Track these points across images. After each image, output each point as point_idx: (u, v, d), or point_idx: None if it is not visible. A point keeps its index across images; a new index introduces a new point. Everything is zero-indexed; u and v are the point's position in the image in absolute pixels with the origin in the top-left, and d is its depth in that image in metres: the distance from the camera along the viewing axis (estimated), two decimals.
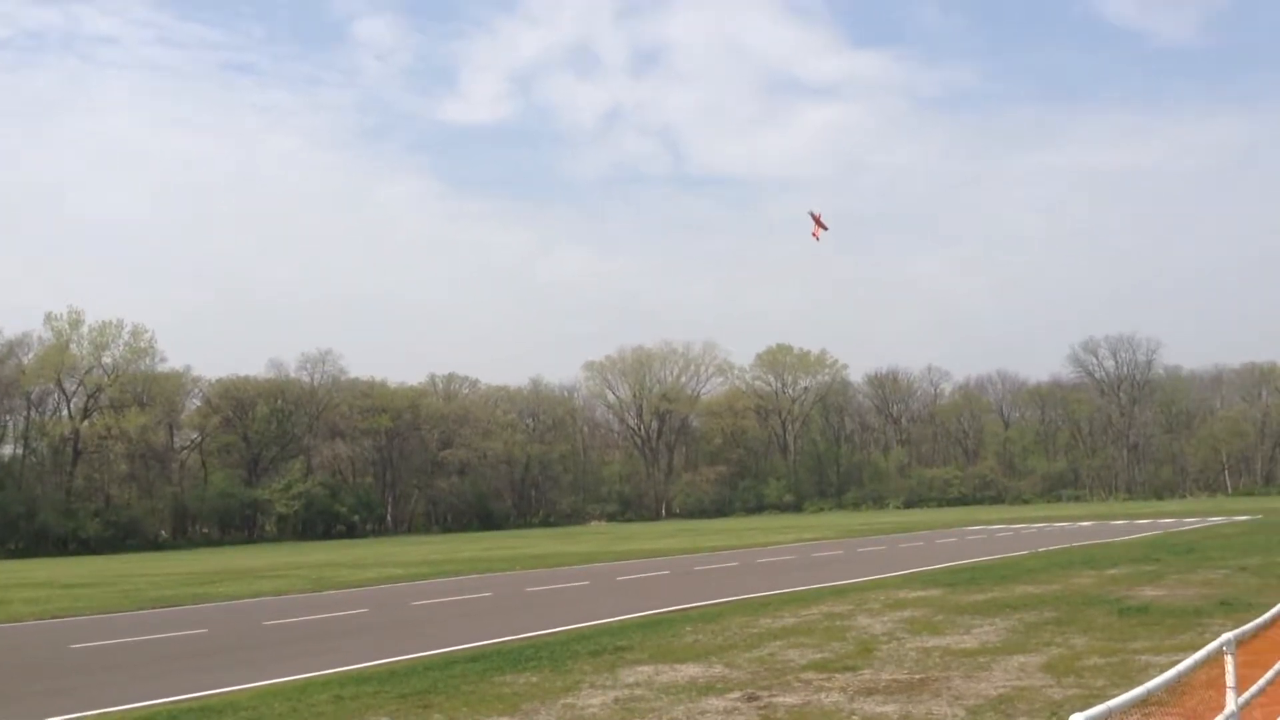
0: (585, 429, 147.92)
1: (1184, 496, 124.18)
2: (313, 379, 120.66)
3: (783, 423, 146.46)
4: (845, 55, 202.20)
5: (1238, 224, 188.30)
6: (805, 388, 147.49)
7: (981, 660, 14.01)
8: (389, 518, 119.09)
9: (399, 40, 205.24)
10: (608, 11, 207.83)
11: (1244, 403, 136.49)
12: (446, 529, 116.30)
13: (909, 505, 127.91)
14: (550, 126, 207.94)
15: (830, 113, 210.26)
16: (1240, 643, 7.63)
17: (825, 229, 53.29)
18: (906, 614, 19.36)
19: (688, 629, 18.18)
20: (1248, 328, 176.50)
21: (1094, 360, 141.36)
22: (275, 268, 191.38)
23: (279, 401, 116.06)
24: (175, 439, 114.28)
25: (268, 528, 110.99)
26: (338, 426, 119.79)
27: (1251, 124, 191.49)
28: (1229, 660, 7.32)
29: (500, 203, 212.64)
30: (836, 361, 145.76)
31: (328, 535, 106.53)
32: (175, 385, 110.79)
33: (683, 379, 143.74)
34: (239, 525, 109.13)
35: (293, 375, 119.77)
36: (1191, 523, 57.75)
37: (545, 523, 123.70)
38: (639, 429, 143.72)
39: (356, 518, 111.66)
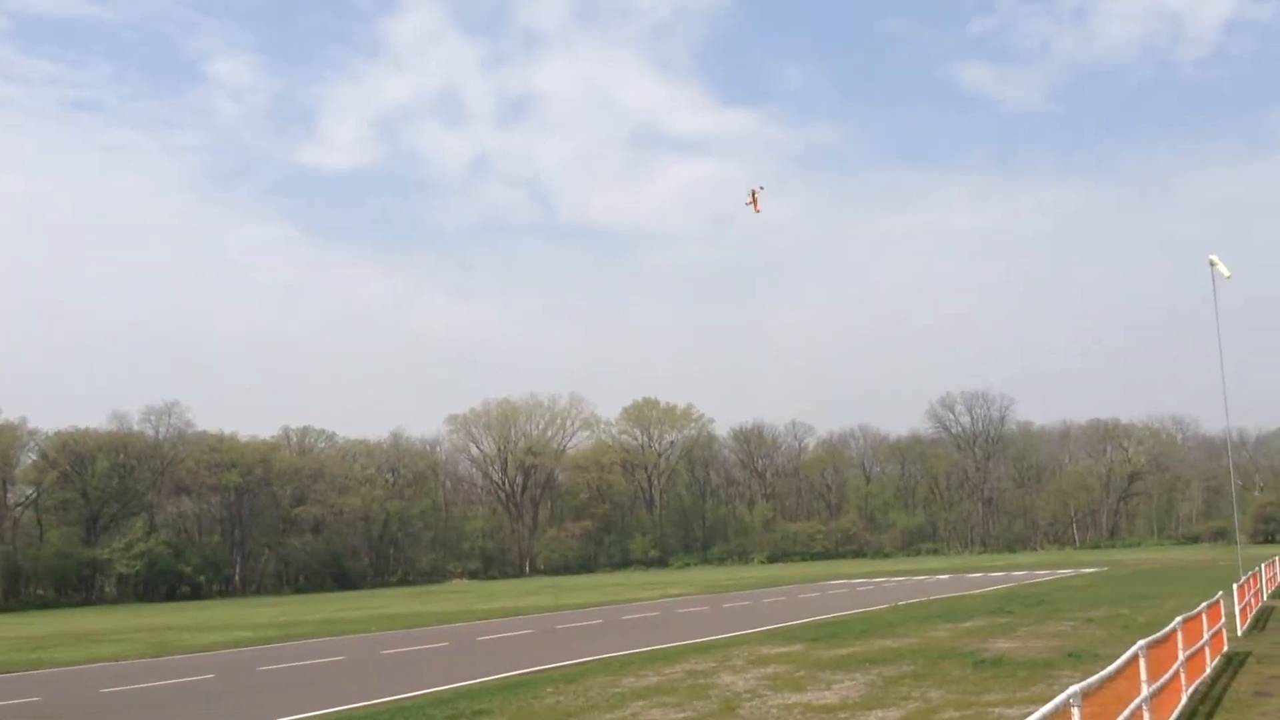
0: (448, 484, 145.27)
1: (1036, 549, 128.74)
2: (157, 432, 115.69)
3: (649, 477, 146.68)
4: (713, 112, 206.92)
5: (1084, 285, 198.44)
6: (671, 442, 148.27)
7: (841, 716, 13.90)
8: (237, 578, 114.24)
9: (257, 81, 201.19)
10: (475, 60, 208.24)
11: (1090, 458, 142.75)
12: (299, 589, 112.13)
13: (773, 560, 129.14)
14: (416, 173, 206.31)
15: (698, 168, 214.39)
16: (1086, 695, 7.83)
17: (759, 211, 54.27)
18: (769, 670, 19.22)
19: (549, 690, 17.65)
20: (1093, 385, 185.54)
21: (951, 416, 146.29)
22: (120, 315, 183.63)
23: (121, 456, 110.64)
24: (9, 495, 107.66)
25: (107, 589, 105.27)
26: (183, 482, 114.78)
27: (1096, 189, 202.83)
28: (1075, 713, 7.52)
29: (362, 250, 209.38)
30: (703, 416, 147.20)
31: (171, 597, 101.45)
32: (9, 438, 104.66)
33: (548, 432, 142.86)
34: (76, 586, 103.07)
35: (136, 428, 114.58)
36: (1042, 575, 59.72)
37: (404, 581, 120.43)
38: (503, 483, 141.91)
39: (202, 578, 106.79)
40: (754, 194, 51.87)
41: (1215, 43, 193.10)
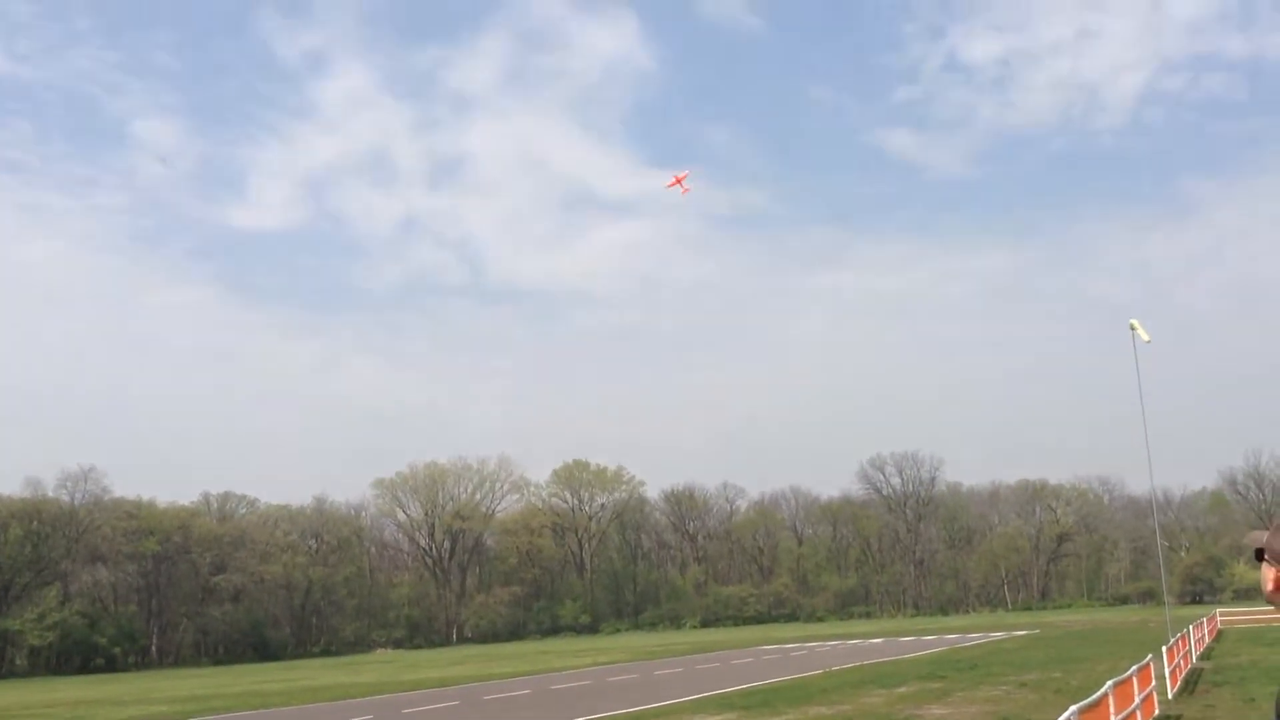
0: (373, 550, 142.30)
1: (968, 611, 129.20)
2: (73, 498, 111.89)
3: (579, 541, 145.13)
4: (641, 174, 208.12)
5: (1010, 346, 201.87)
6: (602, 505, 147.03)
7: None
8: (154, 649, 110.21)
9: (182, 142, 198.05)
10: (405, 121, 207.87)
11: (1019, 519, 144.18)
12: (218, 660, 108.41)
13: (705, 624, 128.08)
14: (344, 234, 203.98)
15: (627, 229, 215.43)
16: None
17: (687, 190, 54.55)
18: None
19: None
20: (1021, 446, 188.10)
21: (881, 477, 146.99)
22: (35, 378, 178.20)
23: (34, 523, 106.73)
24: None
25: (18, 661, 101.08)
26: (99, 550, 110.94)
27: (1019, 253, 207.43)
28: None
29: (288, 312, 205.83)
30: (634, 478, 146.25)
31: (85, 669, 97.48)
32: None
33: (477, 496, 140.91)
34: None
35: (51, 494, 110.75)
36: (975, 638, 59.79)
37: (327, 651, 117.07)
38: (430, 549, 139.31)
39: (118, 649, 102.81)
40: (678, 179, 52.21)
41: (1130, 112, 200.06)
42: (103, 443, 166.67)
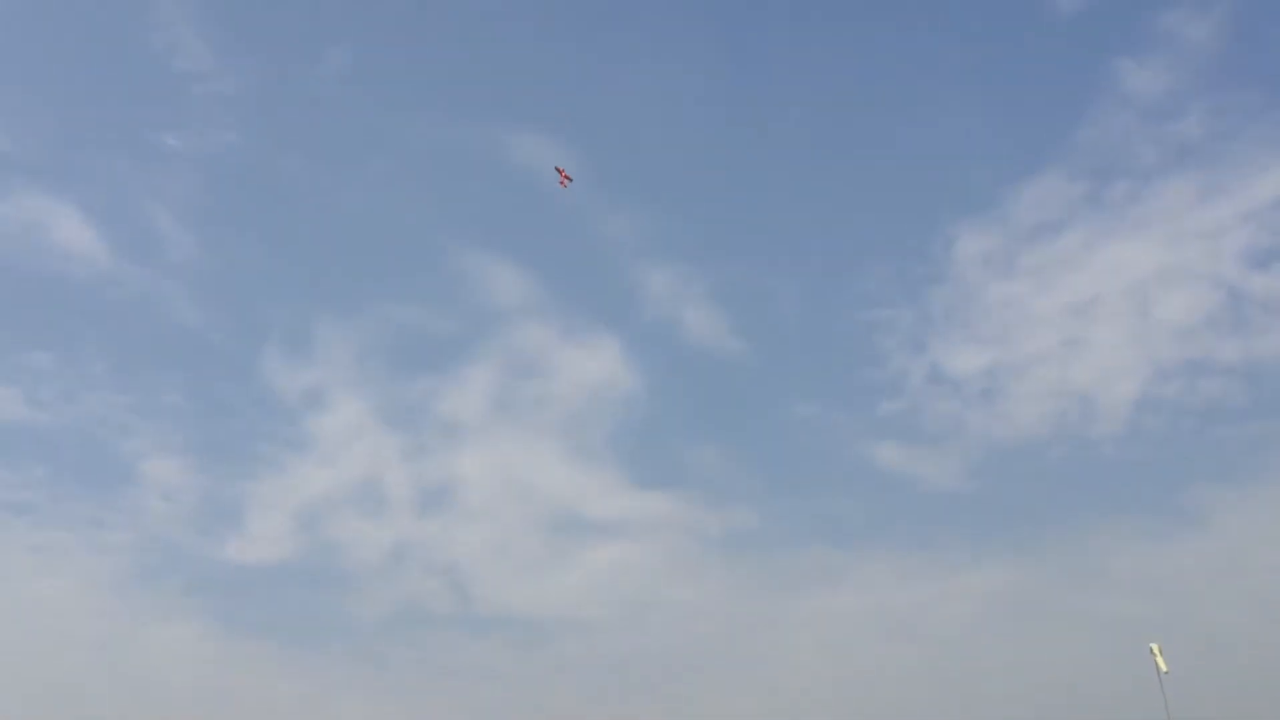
0: None
1: None
2: None
3: None
4: (631, 495, 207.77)
5: (1017, 667, 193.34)
6: None
7: None
8: None
9: (188, 480, 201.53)
10: (398, 449, 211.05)
11: None
12: None
13: None
14: (335, 564, 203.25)
15: (617, 551, 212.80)
16: None
17: (570, 179, 52.35)
18: None
19: None
20: None
21: None
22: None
23: None
24: None
25: None
26: None
27: (1022, 568, 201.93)
28: None
29: (279, 646, 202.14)
30: None
31: None
32: None
33: None
34: None
35: None
36: None
37: None
38: None
39: None
40: (560, 171, 50.51)
41: (1128, 420, 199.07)
42: None
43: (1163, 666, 34.79)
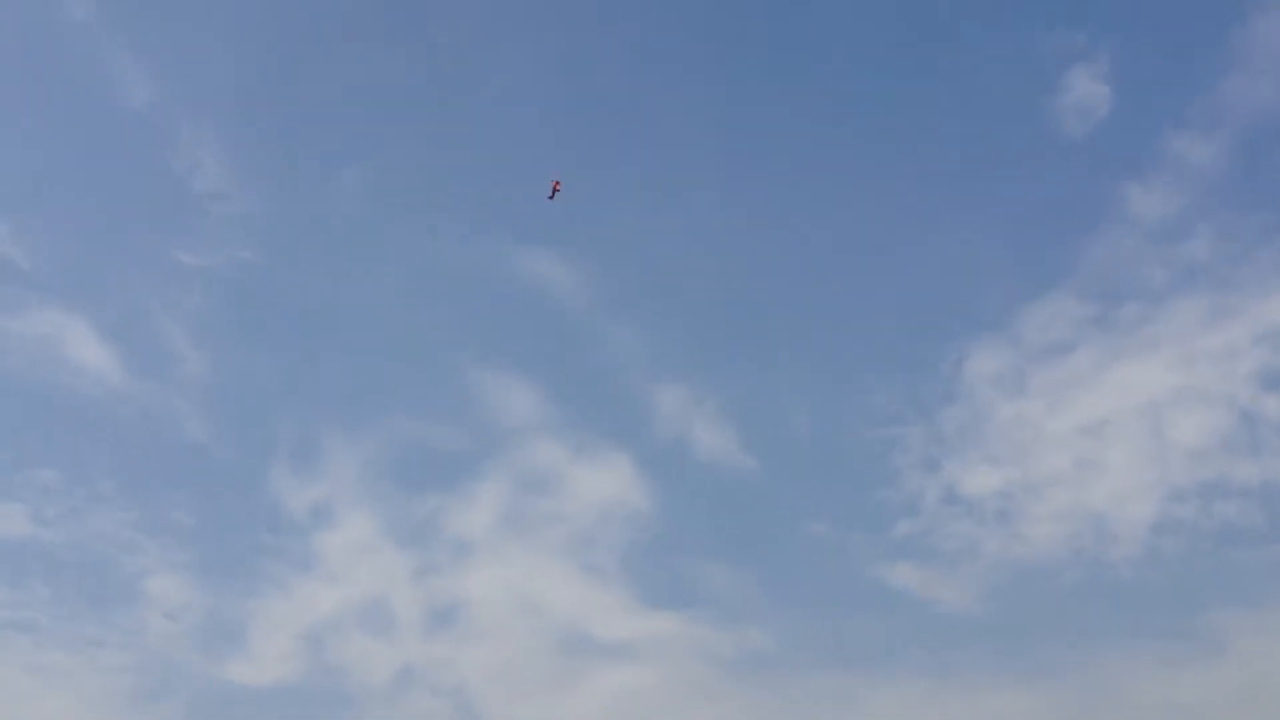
0: None
1: None
2: None
3: None
4: (641, 615, 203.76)
5: None
6: None
7: None
8: None
9: (191, 598, 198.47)
10: (406, 567, 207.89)
11: None
12: None
13: None
14: (340, 687, 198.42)
15: (628, 673, 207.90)
16: None
17: (559, 189, 50.67)
18: None
19: None
20: None
21: None
22: None
23: None
24: None
25: None
26: None
27: (1037, 694, 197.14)
28: None
29: None
30: None
31: None
32: None
33: None
34: None
35: None
36: None
37: None
38: None
39: None
40: (555, 187, 48.93)
41: (1144, 542, 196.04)
42: None
43: None
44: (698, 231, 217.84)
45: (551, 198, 56.28)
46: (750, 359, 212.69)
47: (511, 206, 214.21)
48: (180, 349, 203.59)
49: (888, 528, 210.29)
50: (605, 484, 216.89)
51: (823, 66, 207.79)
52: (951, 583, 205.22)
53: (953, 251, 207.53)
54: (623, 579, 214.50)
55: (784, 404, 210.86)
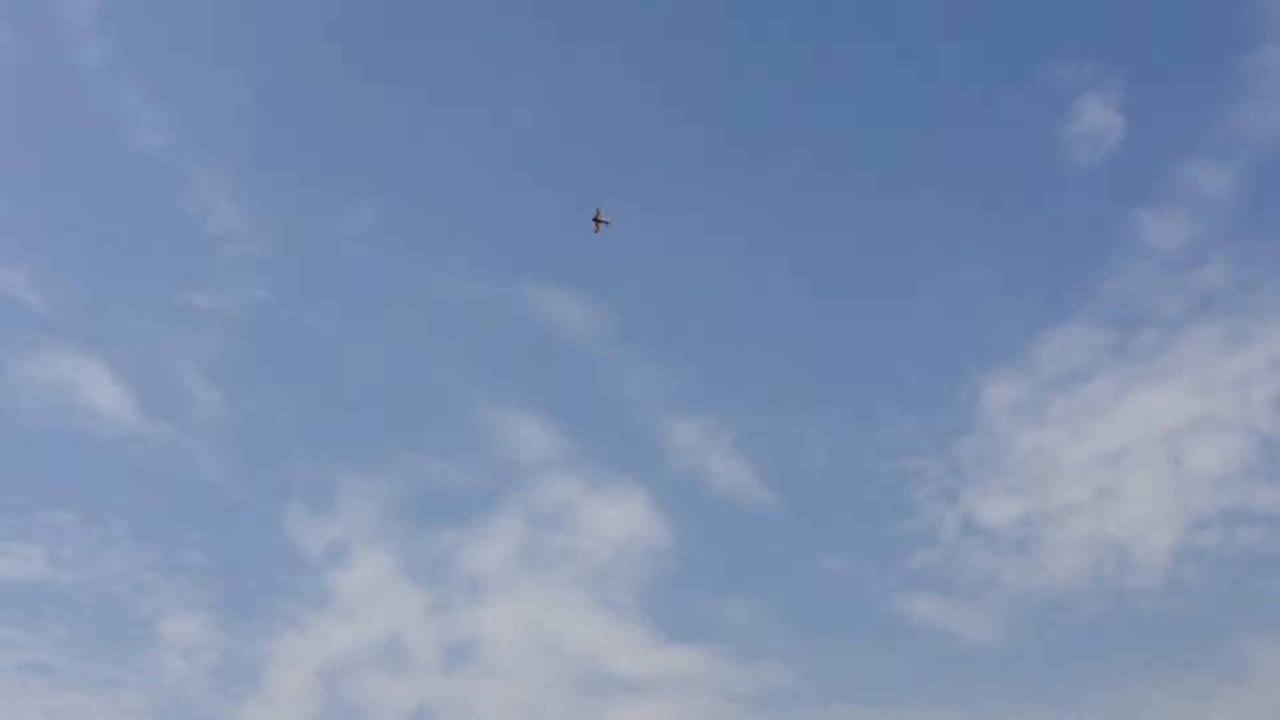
0: None
1: None
2: None
3: None
4: (659, 650, 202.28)
5: None
6: None
7: None
8: None
9: (207, 639, 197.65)
10: (422, 605, 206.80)
11: None
12: None
13: None
14: None
15: (645, 709, 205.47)
16: None
17: (606, 223, 49.53)
18: None
19: None
20: None
21: None
22: None
23: None
24: None
25: None
26: None
27: None
28: None
29: None
30: None
31: None
32: None
33: None
34: None
35: None
36: None
37: None
38: None
39: None
40: (598, 217, 47.87)
41: (1166, 571, 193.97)
42: None
43: None
44: (711, 266, 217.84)
45: (597, 230, 56.00)
46: (766, 391, 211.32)
47: (523, 243, 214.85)
48: (194, 390, 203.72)
49: (906, 559, 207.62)
50: (622, 519, 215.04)
51: (836, 101, 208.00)
52: (971, 614, 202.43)
53: (968, 281, 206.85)
54: (640, 614, 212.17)
55: (800, 437, 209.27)
